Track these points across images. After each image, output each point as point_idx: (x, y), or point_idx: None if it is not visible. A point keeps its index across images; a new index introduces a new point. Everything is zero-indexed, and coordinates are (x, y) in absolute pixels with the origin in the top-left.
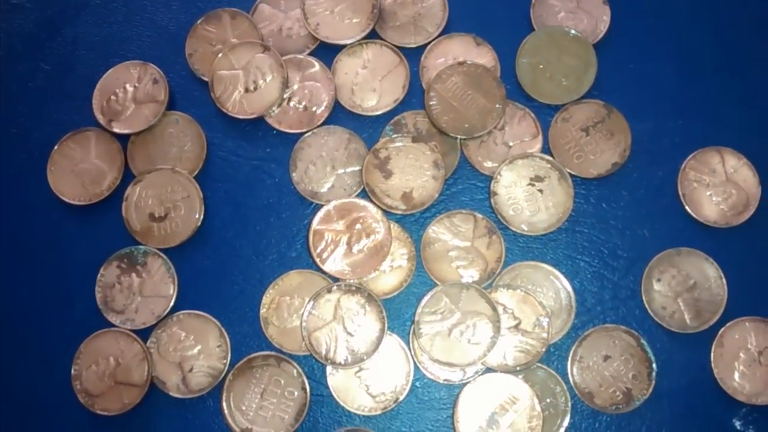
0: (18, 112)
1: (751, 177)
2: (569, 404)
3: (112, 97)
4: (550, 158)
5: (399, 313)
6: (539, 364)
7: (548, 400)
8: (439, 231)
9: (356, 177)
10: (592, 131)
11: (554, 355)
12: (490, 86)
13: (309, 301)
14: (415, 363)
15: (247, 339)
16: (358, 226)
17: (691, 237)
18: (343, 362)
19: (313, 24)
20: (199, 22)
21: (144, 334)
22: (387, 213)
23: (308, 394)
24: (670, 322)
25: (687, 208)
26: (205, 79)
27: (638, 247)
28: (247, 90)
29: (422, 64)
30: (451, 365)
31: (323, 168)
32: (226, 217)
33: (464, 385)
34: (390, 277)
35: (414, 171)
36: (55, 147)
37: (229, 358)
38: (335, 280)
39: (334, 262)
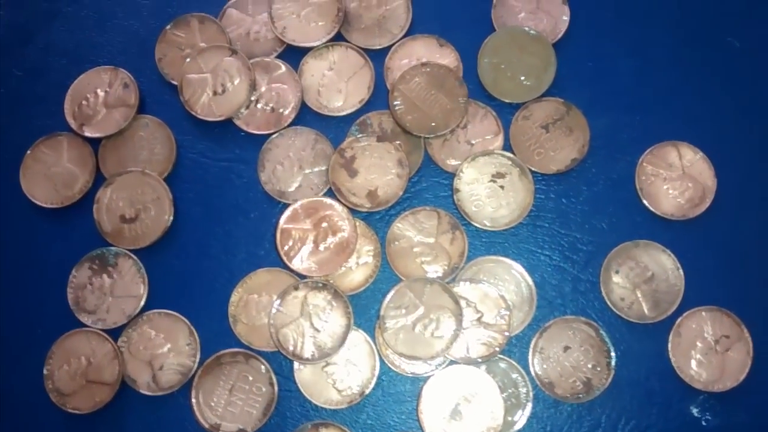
0: None
1: (707, 170)
2: (531, 394)
3: (84, 102)
4: (511, 155)
5: (365, 309)
6: (501, 356)
7: (510, 391)
8: (403, 228)
9: (323, 176)
10: (552, 128)
11: (516, 347)
12: (453, 86)
13: (276, 298)
14: (380, 357)
15: (217, 337)
16: (324, 224)
17: (649, 230)
18: (309, 358)
19: (280, 27)
20: (168, 27)
21: (115, 333)
22: (353, 211)
23: (276, 389)
24: (629, 313)
25: (645, 201)
26: (175, 82)
27: (597, 240)
28: (215, 93)
29: (387, 65)
30: (415, 358)
31: (291, 168)
32: (196, 217)
33: (428, 377)
34: (356, 273)
35: (379, 170)
36: (28, 151)
37: (198, 356)
38: (302, 277)
39: (301, 260)
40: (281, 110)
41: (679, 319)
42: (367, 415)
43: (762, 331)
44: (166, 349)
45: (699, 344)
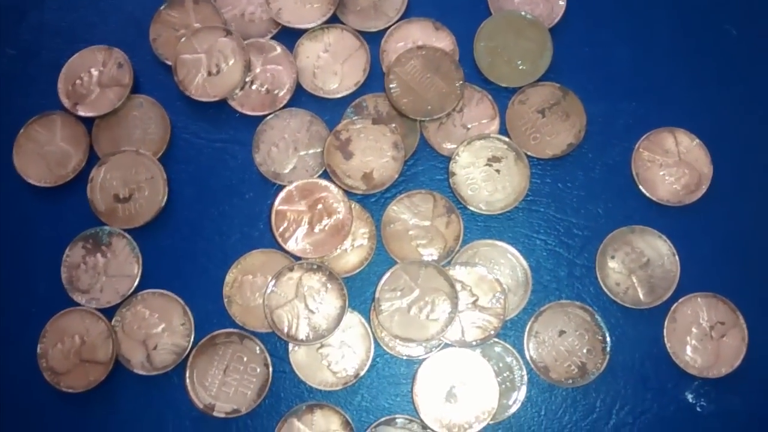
0: None
1: (703, 157)
2: (525, 378)
3: (78, 81)
4: (507, 139)
5: (360, 291)
6: (496, 340)
7: (505, 374)
8: (399, 210)
9: (318, 158)
10: (548, 113)
11: (511, 331)
12: (449, 69)
13: (271, 279)
14: (375, 339)
15: (211, 317)
16: (319, 206)
17: (645, 215)
18: (304, 339)
19: (275, 9)
20: (162, 7)
21: (109, 312)
22: (348, 193)
23: (270, 370)
24: (624, 298)
25: (641, 187)
26: (169, 63)
27: (593, 225)
28: (209, 73)
29: (382, 48)
30: (410, 341)
31: (286, 150)
32: (190, 198)
33: (423, 360)
34: (351, 255)
35: (374, 152)
36: (21, 130)
37: (192, 336)
38: (297, 258)
39: (296, 242)
40: (276, 92)
41: (675, 305)
42: (362, 397)
43: (757, 318)
44: (161, 329)
45: (694, 330)
